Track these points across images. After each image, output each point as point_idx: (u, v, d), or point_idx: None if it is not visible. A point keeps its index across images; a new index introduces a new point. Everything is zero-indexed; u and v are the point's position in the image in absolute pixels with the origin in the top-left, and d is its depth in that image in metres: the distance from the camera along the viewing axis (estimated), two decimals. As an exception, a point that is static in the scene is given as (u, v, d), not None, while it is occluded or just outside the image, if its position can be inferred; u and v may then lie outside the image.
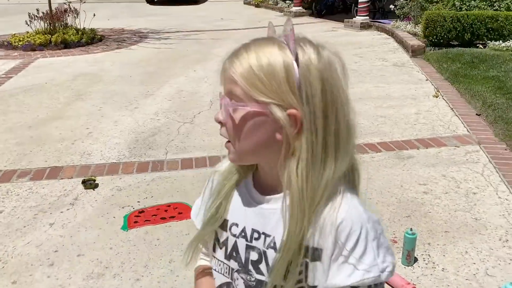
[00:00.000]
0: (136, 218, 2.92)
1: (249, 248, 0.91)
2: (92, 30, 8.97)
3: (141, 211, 3.00)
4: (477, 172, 3.43)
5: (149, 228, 2.81)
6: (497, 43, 6.76)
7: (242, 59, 0.81)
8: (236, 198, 0.95)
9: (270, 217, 0.88)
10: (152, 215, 2.95)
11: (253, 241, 0.90)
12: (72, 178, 3.48)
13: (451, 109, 4.82)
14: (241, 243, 0.92)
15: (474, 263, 2.42)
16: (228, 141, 0.87)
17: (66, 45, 8.18)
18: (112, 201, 3.15)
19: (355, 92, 5.48)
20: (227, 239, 0.94)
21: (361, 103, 5.05)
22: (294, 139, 0.79)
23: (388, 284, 2.25)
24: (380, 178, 3.38)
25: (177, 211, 3.00)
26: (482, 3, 7.29)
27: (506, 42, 6.73)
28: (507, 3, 7.25)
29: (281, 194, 0.84)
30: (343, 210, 0.82)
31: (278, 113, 0.78)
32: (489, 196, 3.09)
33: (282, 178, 0.82)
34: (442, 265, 2.41)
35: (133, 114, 4.88)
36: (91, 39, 8.65)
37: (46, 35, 8.22)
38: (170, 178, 3.46)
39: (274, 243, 0.87)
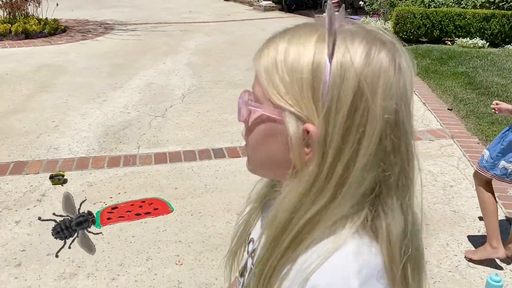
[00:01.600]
0: (109, 215, 2.78)
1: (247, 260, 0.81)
2: (55, 20, 8.60)
3: (114, 207, 2.86)
4: (452, 166, 3.47)
5: (123, 225, 2.68)
6: (464, 40, 6.91)
7: (271, 49, 0.64)
8: (262, 213, 0.81)
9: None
10: (126, 211, 2.82)
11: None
12: (38, 173, 3.29)
13: (423, 104, 4.88)
14: (250, 263, 0.78)
15: (456, 255, 2.42)
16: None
17: (27, 35, 7.81)
18: (83, 197, 2.99)
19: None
20: (243, 255, 0.83)
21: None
22: (301, 162, 0.60)
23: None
24: (359, 172, 3.36)
25: (152, 207, 2.87)
26: (450, 1, 7.44)
27: (472, 40, 6.89)
28: (473, 1, 7.42)
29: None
30: (325, 270, 0.56)
31: (292, 124, 0.59)
32: (466, 189, 3.12)
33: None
34: (425, 257, 2.39)
35: (101, 107, 4.69)
36: (54, 30, 8.30)
37: (5, 25, 7.82)
38: (144, 173, 3.32)
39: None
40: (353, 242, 0.58)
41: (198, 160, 3.55)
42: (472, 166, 3.45)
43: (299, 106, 0.59)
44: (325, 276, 0.56)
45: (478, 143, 3.87)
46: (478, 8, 7.47)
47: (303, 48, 0.59)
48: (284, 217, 0.61)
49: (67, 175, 3.23)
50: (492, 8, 7.58)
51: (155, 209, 2.85)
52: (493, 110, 2.48)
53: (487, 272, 2.29)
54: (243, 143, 0.70)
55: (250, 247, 0.79)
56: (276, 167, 0.65)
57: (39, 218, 2.64)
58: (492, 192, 2.40)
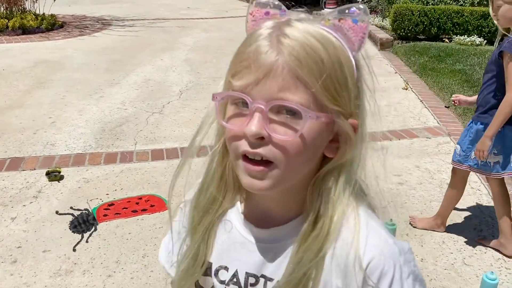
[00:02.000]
0: (106, 211, 2.78)
1: None
2: (52, 16, 8.56)
3: (111, 204, 2.86)
4: (449, 163, 3.47)
5: (120, 222, 2.68)
6: (462, 37, 6.91)
7: (306, 46, 0.60)
8: (221, 235, 0.74)
9: (271, 255, 0.70)
10: (123, 208, 2.81)
11: (248, 287, 0.72)
12: (34, 169, 3.28)
13: (421, 101, 4.88)
14: None
15: (452, 253, 2.43)
16: (264, 163, 0.62)
17: (24, 30, 7.77)
18: (79, 193, 2.99)
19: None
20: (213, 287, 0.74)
21: (333, 94, 5.04)
22: (344, 154, 0.66)
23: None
24: (355, 169, 3.36)
25: (149, 204, 2.87)
26: (448, -2, 7.43)
27: (470, 37, 6.88)
28: (471, -1, 7.41)
29: (288, 225, 0.69)
30: (371, 245, 0.66)
31: (344, 123, 0.63)
32: (462, 186, 3.12)
33: (310, 200, 0.66)
34: (421, 255, 2.40)
35: (98, 103, 4.67)
36: (51, 25, 8.25)
37: (2, 20, 7.77)
38: (141, 170, 3.32)
39: None
40: (363, 214, 0.68)
41: (195, 157, 3.54)
42: (469, 164, 3.46)
43: (341, 104, 0.63)
44: (370, 246, 0.66)
45: (475, 141, 3.87)
46: (475, 6, 7.46)
47: (336, 48, 0.62)
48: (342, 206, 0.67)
49: (64, 171, 3.22)
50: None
51: (152, 206, 2.85)
52: (453, 102, 2.72)
53: (482, 269, 2.30)
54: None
55: (223, 275, 0.73)
56: (307, 168, 0.66)
57: (57, 212, 2.65)
58: (463, 189, 2.57)
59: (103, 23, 9.23)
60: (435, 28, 7.10)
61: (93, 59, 6.41)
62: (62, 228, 2.61)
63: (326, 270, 0.65)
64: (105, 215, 2.73)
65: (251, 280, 0.71)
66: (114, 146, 3.71)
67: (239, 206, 0.75)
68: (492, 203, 2.90)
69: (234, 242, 0.73)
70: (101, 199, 2.91)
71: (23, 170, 3.26)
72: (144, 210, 2.80)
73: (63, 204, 2.85)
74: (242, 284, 0.72)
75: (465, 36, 6.93)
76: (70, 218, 2.69)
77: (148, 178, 3.20)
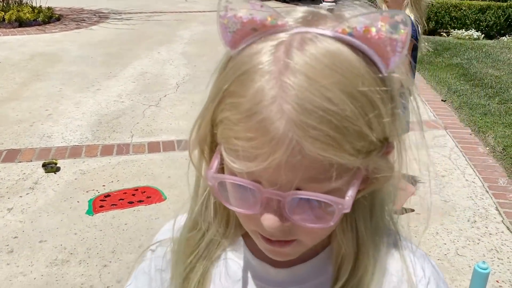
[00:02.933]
0: (102, 203, 2.79)
1: None
2: (49, 8, 8.53)
3: (107, 195, 2.87)
4: (444, 156, 3.49)
5: (116, 213, 2.69)
6: (460, 31, 6.92)
7: (327, 109, 0.42)
8: (222, 282, 0.59)
9: None
10: (119, 199, 2.82)
11: None
12: (31, 161, 3.28)
13: (417, 95, 4.88)
14: None
15: (445, 244, 2.45)
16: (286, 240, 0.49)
17: (21, 23, 7.74)
18: (76, 185, 2.99)
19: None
20: None
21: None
22: (378, 182, 0.52)
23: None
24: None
25: (145, 195, 2.88)
26: (445, -8, 7.42)
27: (468, 31, 6.89)
28: (469, -7, 7.41)
29: (314, 260, 0.56)
30: (422, 271, 0.58)
31: (377, 161, 0.48)
32: (457, 179, 3.15)
33: (340, 231, 0.54)
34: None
35: (95, 96, 4.67)
36: (48, 18, 8.22)
37: (-1, 12, 7.75)
38: (137, 162, 3.33)
39: None
40: (402, 238, 0.61)
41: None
42: (464, 156, 3.48)
43: (374, 149, 0.47)
44: (421, 272, 0.58)
45: (470, 134, 3.89)
46: (473, 0, 7.46)
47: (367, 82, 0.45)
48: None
49: (60, 163, 3.23)
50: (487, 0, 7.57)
51: (148, 197, 2.86)
52: None
53: (475, 260, 2.32)
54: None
55: None
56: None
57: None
58: None
59: (100, 16, 9.20)
60: (433, 22, 7.10)
61: (90, 52, 6.39)
62: (59, 219, 2.62)
63: None
64: (101, 206, 2.74)
65: None
66: (111, 138, 3.71)
67: (242, 242, 0.59)
68: (486, 195, 2.93)
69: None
70: (97, 191, 2.92)
71: (20, 162, 3.27)
72: (140, 201, 2.81)
73: (60, 195, 2.86)
74: None
75: (463, 30, 6.94)
76: (69, 206, 2.71)
77: (144, 170, 3.21)
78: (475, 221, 2.66)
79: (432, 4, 7.08)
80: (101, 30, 7.92)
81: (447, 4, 7.03)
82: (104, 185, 2.99)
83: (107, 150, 3.49)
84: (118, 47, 6.74)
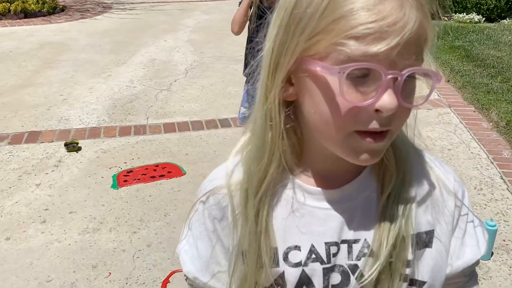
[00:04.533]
0: (125, 177, 2.92)
1: (328, 271, 0.63)
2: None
3: (130, 171, 3.00)
4: (450, 131, 3.62)
5: (139, 186, 2.82)
6: (461, 15, 7.01)
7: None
8: (279, 211, 0.64)
9: (349, 216, 0.63)
10: (142, 174, 2.95)
11: (332, 258, 0.63)
12: (52, 141, 3.41)
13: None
14: (314, 270, 0.63)
15: (454, 209, 2.58)
16: (385, 133, 0.56)
17: (26, 14, 7.83)
18: (98, 162, 3.12)
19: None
20: (283, 275, 0.63)
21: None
22: None
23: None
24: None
25: (166, 170, 3.01)
26: (446, -23, 7.49)
27: (469, 15, 6.99)
28: (469, -23, 7.48)
29: (359, 178, 0.63)
30: (449, 174, 0.70)
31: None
32: (462, 152, 3.28)
33: None
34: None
35: (107, 82, 4.78)
36: (52, 9, 8.31)
37: (4, 4, 7.82)
38: (155, 141, 3.45)
39: (368, 247, 0.62)
40: (433, 158, 0.72)
41: (205, 129, 3.68)
42: (469, 131, 3.61)
43: None
44: (448, 175, 0.70)
45: (474, 111, 4.02)
46: (473, -16, 7.54)
47: None
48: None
49: (81, 143, 3.35)
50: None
51: (169, 172, 2.99)
52: None
53: (483, 223, 2.46)
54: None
55: (296, 256, 0.63)
56: None
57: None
58: None
59: (103, 7, 9.27)
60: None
61: (97, 40, 6.49)
62: (85, 192, 2.75)
63: (415, 210, 0.63)
64: (125, 181, 2.87)
65: (333, 249, 0.63)
66: (127, 120, 3.83)
67: (289, 173, 0.64)
68: (491, 166, 3.06)
69: (300, 214, 0.63)
70: (119, 167, 3.05)
71: (42, 143, 3.39)
72: (161, 176, 2.94)
73: (84, 172, 2.99)
74: (325, 258, 0.63)
75: (464, 13, 7.04)
76: (94, 181, 2.84)
77: (163, 148, 3.34)
78: (481, 189, 2.79)
79: (433, -11, 7.17)
80: (105, 20, 8.00)
81: (448, -12, 7.12)
82: (125, 162, 3.12)
83: (125, 131, 3.61)
84: (124, 35, 6.84)
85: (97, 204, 2.63)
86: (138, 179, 2.89)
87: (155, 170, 3.01)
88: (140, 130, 3.65)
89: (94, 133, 3.57)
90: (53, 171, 3.00)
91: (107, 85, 4.67)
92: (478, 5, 7.04)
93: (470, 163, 3.11)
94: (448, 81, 4.82)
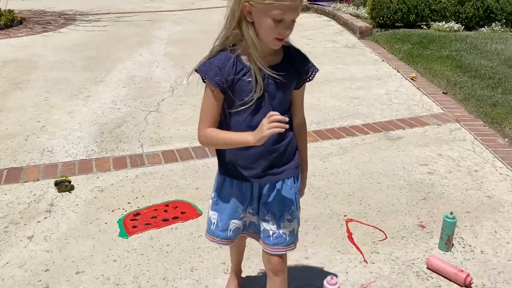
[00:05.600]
0: (134, 222, 2.52)
1: None
2: (10, 11, 7.96)
3: (137, 214, 2.60)
4: (469, 150, 3.45)
5: (153, 233, 2.44)
6: (440, 24, 6.99)
7: None
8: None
9: None
10: (152, 217, 2.57)
11: None
12: (38, 180, 2.95)
13: (418, 88, 4.86)
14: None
15: (508, 243, 2.37)
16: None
17: (-19, 28, 7.17)
18: (97, 204, 2.71)
19: (319, 74, 5.34)
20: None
21: (329, 85, 4.94)
22: None
23: (439, 273, 2.12)
24: (380, 161, 3.26)
25: (179, 211, 2.64)
26: (423, -15, 7.47)
27: (448, 23, 6.98)
28: (445, -15, 7.50)
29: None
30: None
31: None
32: (491, 173, 3.10)
33: None
34: (479, 247, 2.33)
35: (87, 104, 4.33)
36: (10, 22, 7.69)
37: (-44, 17, 7.14)
38: (157, 174, 3.07)
39: None
40: None
41: (210, 157, 3.32)
42: (487, 149, 3.45)
43: None
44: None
45: (484, 126, 3.88)
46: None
47: None
48: None
49: (72, 180, 2.92)
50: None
51: (182, 212, 2.62)
52: None
53: (541, 257, 2.26)
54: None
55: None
56: None
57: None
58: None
59: (66, 18, 8.69)
60: (413, 15, 7.15)
61: (66, 56, 5.98)
62: (90, 244, 2.34)
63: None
64: (134, 227, 2.48)
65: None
66: (120, 149, 3.42)
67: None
68: (526, 188, 2.89)
69: None
70: (124, 209, 2.65)
71: (26, 182, 2.93)
72: (175, 218, 2.57)
73: (83, 217, 2.57)
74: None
75: (443, 22, 7.02)
76: (97, 229, 2.43)
77: (168, 182, 2.96)
78: (527, 215, 2.61)
79: (412, -2, 7.12)
80: (71, 33, 7.46)
81: (426, -3, 7.09)
82: (129, 202, 2.72)
83: (119, 163, 3.20)
84: (95, 50, 6.35)
85: (108, 260, 2.23)
86: (149, 224, 2.51)
87: (166, 211, 2.64)
88: (137, 160, 3.25)
89: (85, 167, 3.14)
90: (46, 218, 2.56)
91: (88, 108, 4.21)
92: (457, 14, 7.05)
93: (503, 186, 2.93)
94: (446, 93, 4.69)
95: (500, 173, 3.09)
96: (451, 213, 2.29)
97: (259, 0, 1.31)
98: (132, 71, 5.43)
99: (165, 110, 4.24)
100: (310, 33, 7.66)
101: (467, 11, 6.94)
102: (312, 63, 1.55)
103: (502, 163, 3.23)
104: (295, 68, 1.50)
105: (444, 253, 2.30)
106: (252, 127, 1.42)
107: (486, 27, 6.98)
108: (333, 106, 4.32)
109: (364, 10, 8.18)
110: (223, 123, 1.52)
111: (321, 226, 2.50)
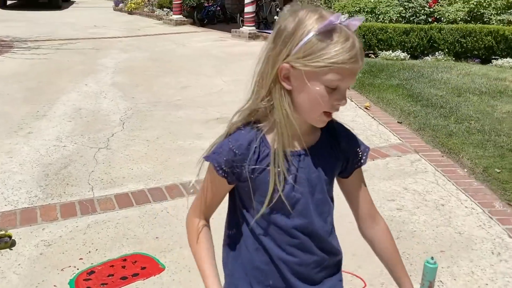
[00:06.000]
0: (88, 283, 2.23)
1: None
2: None
3: (91, 272, 2.32)
4: (432, 182, 3.43)
5: (111, 295, 2.16)
6: (387, 53, 7.19)
7: None
8: None
9: None
10: (108, 275, 2.29)
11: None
12: (-28, 235, 2.58)
13: (373, 118, 4.88)
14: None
15: (487, 284, 2.31)
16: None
17: None
18: (44, 262, 2.39)
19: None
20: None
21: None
22: None
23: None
24: (347, 198, 3.16)
25: (138, 266, 2.38)
26: (369, 16, 7.71)
27: (395, 52, 7.19)
28: (389, 16, 7.77)
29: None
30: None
31: None
32: (457, 207, 3.08)
33: None
34: (459, 291, 2.26)
35: (29, 142, 3.96)
36: None
37: None
38: (111, 222, 2.79)
39: None
40: None
41: (169, 199, 3.09)
42: (449, 181, 3.46)
43: None
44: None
45: (442, 156, 3.91)
46: (393, 22, 7.85)
47: None
48: None
49: (13, 234, 2.58)
50: (403, 22, 8.00)
51: (143, 268, 2.36)
52: None
53: (519, 298, 2.21)
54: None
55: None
56: None
57: None
58: None
59: (1, 45, 8.15)
60: (362, 44, 7.31)
61: (3, 87, 5.54)
62: (36, 314, 2.03)
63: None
64: (88, 288, 2.20)
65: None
66: (67, 194, 3.10)
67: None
68: (492, 222, 2.88)
69: None
70: (75, 267, 2.35)
71: (-43, 238, 2.55)
72: (135, 275, 2.31)
73: (27, 280, 2.25)
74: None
75: (390, 51, 7.23)
76: (43, 298, 2.12)
77: (124, 231, 2.69)
78: (499, 253, 2.57)
79: (360, 27, 7.29)
80: (8, 61, 6.98)
81: (373, 27, 7.30)
82: (81, 258, 2.42)
83: (68, 210, 2.89)
84: (36, 80, 5.95)
85: (59, 332, 1.93)
86: (105, 284, 2.23)
87: (124, 267, 2.37)
88: (87, 207, 2.95)
89: (28, 216, 2.80)
90: (-19, 283, 2.22)
91: (30, 146, 3.85)
92: (403, 43, 7.29)
93: (471, 221, 2.90)
94: (401, 122, 4.75)
95: (466, 207, 3.08)
96: (432, 258, 2.18)
97: (308, 61, 0.93)
98: (78, 103, 5.10)
99: (115, 146, 3.95)
100: (261, 61, 7.63)
101: (412, 40, 7.19)
102: (362, 142, 1.16)
103: (466, 195, 3.23)
104: (339, 149, 1.11)
105: (426, 300, 2.19)
106: (281, 239, 1.05)
107: (430, 56, 7.26)
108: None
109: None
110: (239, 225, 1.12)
111: (296, 276, 2.33)
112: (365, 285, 2.28)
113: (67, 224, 2.74)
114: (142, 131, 4.33)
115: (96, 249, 2.51)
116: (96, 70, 6.66)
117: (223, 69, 7.08)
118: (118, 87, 5.85)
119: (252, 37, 9.96)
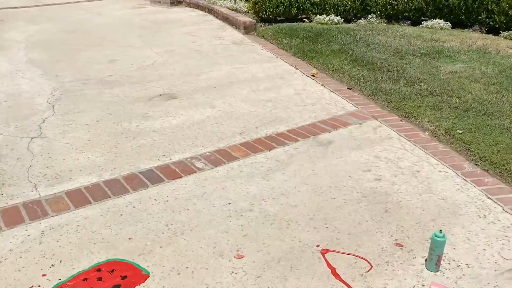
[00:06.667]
0: (61, 306, 1.86)
1: None
2: None
3: (61, 291, 1.93)
4: (400, 149, 3.38)
5: (93, 317, 1.81)
6: (321, 17, 7.08)
7: None
8: None
9: None
10: (84, 293, 1.93)
11: None
12: None
13: (322, 85, 4.75)
14: None
15: (485, 250, 2.29)
16: None
17: None
18: (0, 284, 1.95)
19: (220, 76, 4.95)
20: None
21: (235, 88, 4.58)
22: None
23: (447, 303, 1.92)
24: (324, 172, 3.01)
25: (117, 276, 2.03)
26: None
27: (329, 16, 7.10)
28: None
29: None
30: None
31: None
32: (431, 172, 3.05)
33: None
34: (463, 260, 2.20)
35: None
36: None
37: None
38: (70, 226, 2.37)
39: None
40: None
41: (132, 192, 2.71)
42: (416, 145, 3.43)
43: None
44: None
45: (401, 121, 3.89)
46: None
47: None
48: None
49: None
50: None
51: (123, 277, 2.02)
52: None
53: (517, 260, 2.21)
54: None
55: None
56: None
57: None
58: None
59: None
60: (295, 9, 7.12)
61: None
62: None
63: None
64: (63, 312, 1.82)
65: None
66: (6, 196, 2.60)
67: None
68: (468, 185, 2.88)
69: None
70: (39, 286, 1.95)
71: None
72: (116, 286, 1.96)
73: (-20, 311, 1.82)
74: None
75: (324, 15, 7.12)
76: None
77: (88, 235, 2.30)
78: (485, 216, 2.57)
79: (292, -9, 7.08)
80: None
81: (306, -10, 7.12)
82: (44, 275, 2.02)
83: (12, 217, 2.42)
84: None
85: None
86: (83, 303, 1.87)
87: (100, 278, 2.01)
88: (35, 210, 2.49)
89: (-39, 230, 2.29)
90: None
91: None
92: (336, 7, 7.21)
93: (449, 185, 2.89)
94: (351, 88, 4.67)
95: (439, 171, 3.06)
96: (440, 231, 2.11)
97: None
98: (-8, 85, 4.38)
99: (51, 134, 3.43)
100: (191, 29, 7.17)
101: (345, 4, 7.13)
102: None
103: (436, 159, 3.22)
104: None
105: (435, 274, 2.11)
106: None
107: (363, 18, 7.26)
108: (249, 112, 3.96)
109: (242, 4, 7.94)
110: None
111: (299, 265, 2.13)
112: (371, 266, 2.14)
113: (15, 234, 2.28)
114: (77, 114, 3.81)
115: (61, 261, 2.11)
116: (4, 46, 5.82)
117: (151, 39, 6.54)
118: (36, 64, 5.14)
119: (174, 2, 9.36)
